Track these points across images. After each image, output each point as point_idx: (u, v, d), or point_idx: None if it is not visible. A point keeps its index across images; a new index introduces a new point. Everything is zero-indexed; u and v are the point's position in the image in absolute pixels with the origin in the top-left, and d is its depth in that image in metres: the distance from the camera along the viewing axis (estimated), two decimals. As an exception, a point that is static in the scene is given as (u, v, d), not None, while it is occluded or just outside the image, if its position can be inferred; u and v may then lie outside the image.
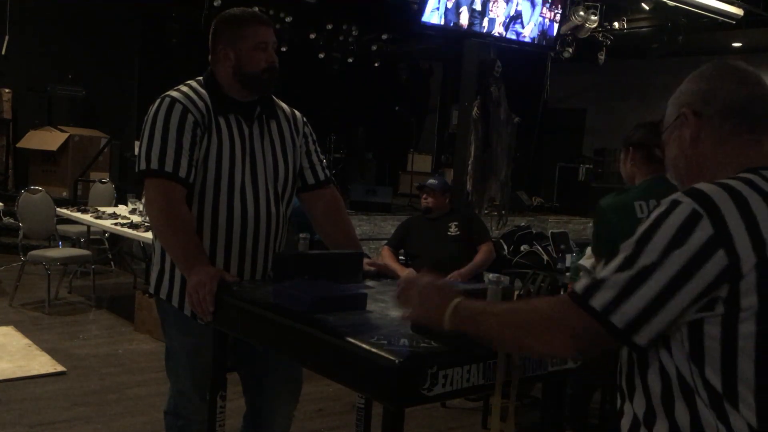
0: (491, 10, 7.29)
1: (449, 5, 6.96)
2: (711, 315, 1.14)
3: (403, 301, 1.48)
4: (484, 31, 7.26)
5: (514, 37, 7.55)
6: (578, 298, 1.19)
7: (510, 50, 7.69)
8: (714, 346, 1.15)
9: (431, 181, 4.74)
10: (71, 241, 6.96)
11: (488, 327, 1.34)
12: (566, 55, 8.65)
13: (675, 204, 1.17)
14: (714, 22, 8.19)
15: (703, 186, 1.19)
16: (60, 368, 4.45)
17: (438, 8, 6.88)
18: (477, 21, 7.20)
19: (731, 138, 1.28)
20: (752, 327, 1.13)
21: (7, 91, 9.33)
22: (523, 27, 7.56)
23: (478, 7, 7.16)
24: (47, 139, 9.28)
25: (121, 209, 6.64)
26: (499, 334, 1.33)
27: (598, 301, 1.17)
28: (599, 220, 2.97)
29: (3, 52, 9.01)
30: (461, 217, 4.73)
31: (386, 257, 4.62)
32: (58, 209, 6.42)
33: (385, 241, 5.02)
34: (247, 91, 2.27)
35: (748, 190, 1.17)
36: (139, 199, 6.16)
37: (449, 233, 4.58)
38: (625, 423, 1.28)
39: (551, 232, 4.87)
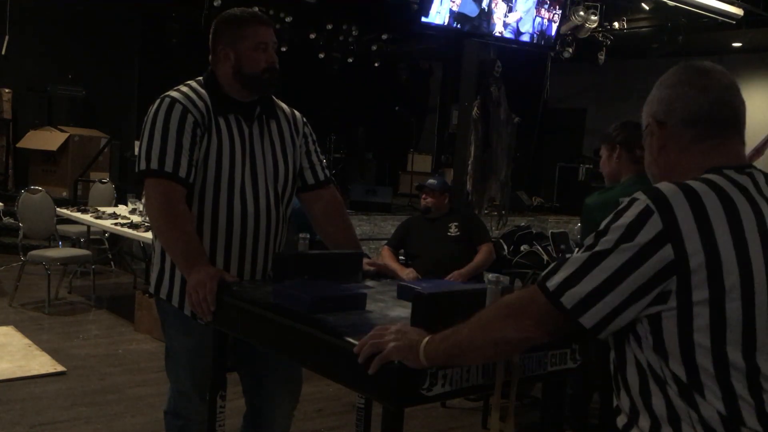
0: (494, 11, 7.25)
1: (454, 8, 6.87)
2: (666, 308, 1.20)
3: (374, 345, 1.46)
4: (486, 30, 7.20)
5: (512, 35, 7.49)
6: (539, 281, 1.29)
7: (510, 50, 7.68)
8: (673, 340, 1.20)
9: (431, 181, 4.74)
10: (71, 241, 6.96)
11: (460, 338, 1.37)
12: (566, 55, 8.65)
13: (633, 201, 1.25)
14: (714, 22, 8.18)
15: (662, 185, 1.26)
16: (60, 368, 4.45)
17: (439, 12, 6.79)
18: (485, 21, 7.13)
19: (694, 145, 1.33)
20: (706, 321, 1.18)
21: (7, 91, 9.33)
22: (513, 11, 7.44)
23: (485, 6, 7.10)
24: (47, 139, 9.28)
25: (121, 209, 6.64)
26: (471, 338, 1.36)
27: (552, 282, 1.26)
28: (585, 217, 3.03)
29: (3, 52, 9.01)
30: (461, 217, 4.71)
31: (386, 257, 4.62)
32: (58, 209, 6.42)
33: (385, 241, 5.02)
34: (247, 91, 2.27)
35: (705, 189, 1.23)
36: (139, 199, 6.16)
37: (449, 234, 4.57)
38: (619, 421, 1.33)
39: (551, 232, 4.86)
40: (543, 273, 1.30)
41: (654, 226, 1.19)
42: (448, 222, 4.60)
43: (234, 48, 2.23)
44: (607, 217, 1.27)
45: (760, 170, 1.32)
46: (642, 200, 1.23)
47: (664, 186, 1.25)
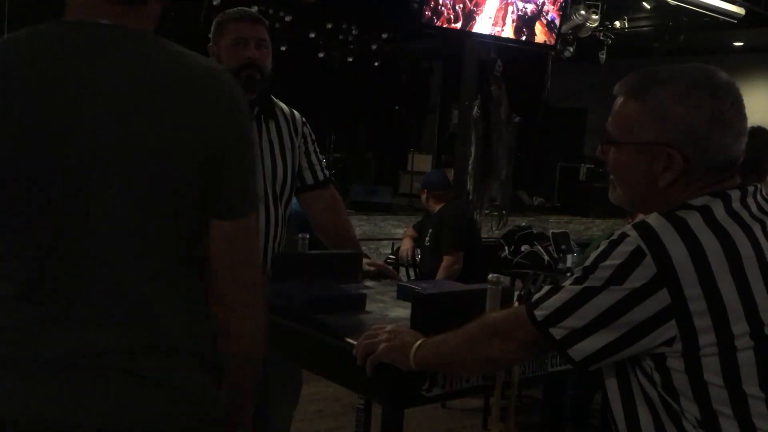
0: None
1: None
2: (671, 351, 1.14)
3: (367, 345, 1.46)
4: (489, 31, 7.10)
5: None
6: (527, 308, 1.24)
7: (510, 49, 7.67)
8: (682, 380, 1.15)
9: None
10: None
11: (448, 350, 1.36)
12: (567, 54, 8.64)
13: (623, 236, 1.17)
14: (715, 21, 8.16)
15: (652, 220, 1.17)
16: (59, 368, 4.44)
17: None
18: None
19: (705, 184, 1.22)
20: (716, 363, 1.12)
21: (7, 90, 9.33)
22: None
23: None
24: (47, 139, 9.27)
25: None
26: (458, 352, 1.35)
27: (541, 312, 1.21)
28: None
29: (3, 52, 9.01)
30: (436, 222, 4.27)
31: (407, 233, 4.61)
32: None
33: (385, 242, 5.00)
34: None
35: (700, 224, 1.15)
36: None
37: (425, 242, 4.29)
38: None
39: (552, 232, 4.85)
40: (533, 298, 1.25)
41: (647, 269, 1.12)
42: (429, 227, 4.31)
43: (217, 45, 2.23)
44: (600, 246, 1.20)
45: (748, 186, 1.24)
46: (632, 238, 1.15)
47: (655, 221, 1.16)
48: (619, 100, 1.28)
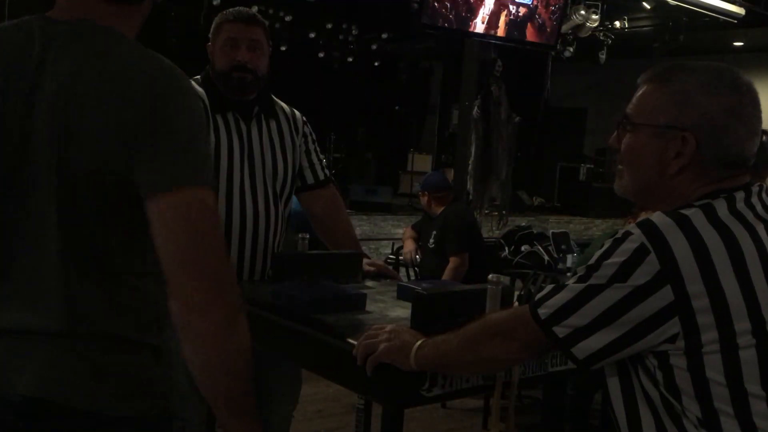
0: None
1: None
2: (674, 348, 1.15)
3: (367, 345, 1.45)
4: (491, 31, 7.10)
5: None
6: (530, 307, 1.24)
7: (511, 49, 7.68)
8: (685, 377, 1.15)
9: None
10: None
11: (449, 350, 1.36)
12: (567, 54, 8.64)
13: (627, 234, 1.18)
14: (715, 21, 8.17)
15: (656, 218, 1.18)
16: (59, 368, 4.44)
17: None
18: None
19: (712, 179, 1.23)
20: (718, 360, 1.13)
21: (7, 90, 9.31)
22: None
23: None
24: (47, 139, 9.26)
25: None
26: (459, 352, 1.35)
27: (544, 310, 1.22)
28: None
29: (3, 52, 8.99)
30: (440, 225, 4.31)
31: (407, 234, 4.61)
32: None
33: (385, 242, 5.00)
34: (228, 89, 2.24)
35: (704, 222, 1.16)
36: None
37: (429, 244, 4.31)
38: None
39: (552, 232, 4.85)
40: (535, 297, 1.26)
41: (651, 266, 1.13)
42: (432, 229, 4.33)
43: (213, 45, 2.24)
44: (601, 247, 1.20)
45: (753, 185, 1.25)
46: (636, 236, 1.16)
47: (659, 219, 1.18)
48: (642, 87, 1.31)
